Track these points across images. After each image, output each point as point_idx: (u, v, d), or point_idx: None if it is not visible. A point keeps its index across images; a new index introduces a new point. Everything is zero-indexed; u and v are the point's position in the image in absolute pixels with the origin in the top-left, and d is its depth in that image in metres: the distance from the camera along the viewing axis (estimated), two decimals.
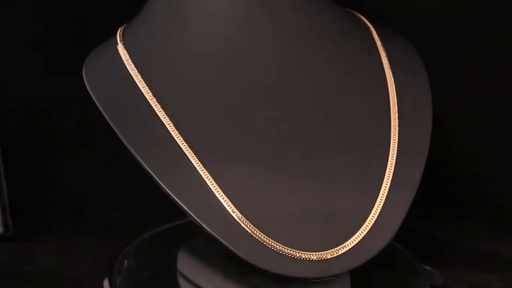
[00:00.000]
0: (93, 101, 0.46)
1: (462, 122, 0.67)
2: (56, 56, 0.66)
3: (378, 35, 0.50)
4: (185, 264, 0.51)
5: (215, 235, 0.41)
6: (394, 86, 0.47)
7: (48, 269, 0.61)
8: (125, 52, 0.48)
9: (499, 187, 0.67)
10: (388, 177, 0.44)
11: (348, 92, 0.46)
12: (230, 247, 0.41)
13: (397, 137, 0.45)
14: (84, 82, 0.48)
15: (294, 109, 0.45)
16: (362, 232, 0.42)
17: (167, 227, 0.60)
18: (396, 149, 0.44)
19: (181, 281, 0.51)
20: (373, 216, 0.43)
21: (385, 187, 0.43)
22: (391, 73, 0.48)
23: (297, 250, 0.41)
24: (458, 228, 0.67)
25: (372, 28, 0.51)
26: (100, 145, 0.66)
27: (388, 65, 0.48)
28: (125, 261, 0.56)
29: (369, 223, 0.43)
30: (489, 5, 0.62)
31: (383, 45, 0.49)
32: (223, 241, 0.41)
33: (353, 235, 0.42)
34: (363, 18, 0.52)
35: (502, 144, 0.66)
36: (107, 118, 0.45)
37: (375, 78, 0.47)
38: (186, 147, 0.43)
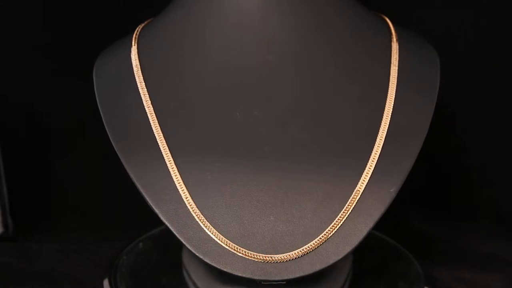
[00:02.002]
0: (93, 101, 0.46)
1: (462, 122, 0.67)
2: (57, 57, 0.66)
3: (397, 41, 0.48)
4: (185, 257, 0.52)
5: (169, 225, 0.42)
6: (394, 97, 0.46)
7: (48, 269, 0.61)
8: (137, 57, 0.48)
9: (499, 187, 0.67)
10: (361, 187, 0.43)
11: (343, 98, 0.45)
12: (180, 237, 0.42)
13: (380, 149, 0.44)
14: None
15: (279, 110, 0.44)
16: (321, 239, 0.41)
17: (167, 227, 0.60)
18: (376, 161, 0.43)
19: (184, 273, 0.52)
20: (335, 225, 0.42)
21: (355, 196, 0.42)
22: (395, 85, 0.46)
23: (248, 250, 0.41)
24: (458, 228, 0.67)
25: (393, 33, 0.49)
26: (100, 145, 0.66)
27: (396, 75, 0.47)
28: (125, 261, 0.56)
29: (329, 231, 0.42)
30: (490, 5, 0.63)
31: (399, 51, 0.48)
32: (174, 232, 0.42)
33: (312, 241, 0.41)
34: (388, 21, 0.51)
35: (502, 144, 0.66)
36: (103, 117, 0.45)
37: (377, 88, 0.46)
38: (164, 145, 0.44)
